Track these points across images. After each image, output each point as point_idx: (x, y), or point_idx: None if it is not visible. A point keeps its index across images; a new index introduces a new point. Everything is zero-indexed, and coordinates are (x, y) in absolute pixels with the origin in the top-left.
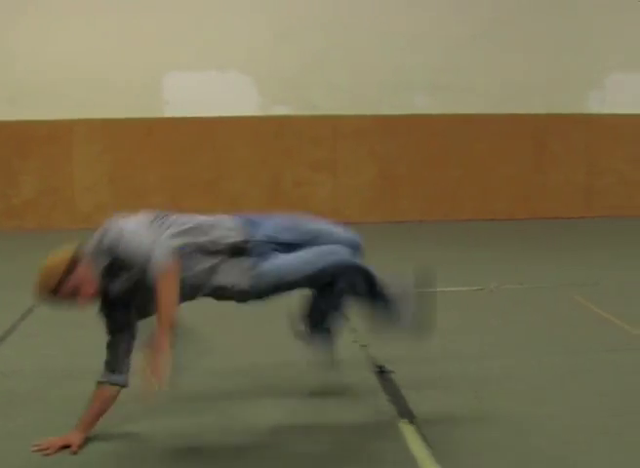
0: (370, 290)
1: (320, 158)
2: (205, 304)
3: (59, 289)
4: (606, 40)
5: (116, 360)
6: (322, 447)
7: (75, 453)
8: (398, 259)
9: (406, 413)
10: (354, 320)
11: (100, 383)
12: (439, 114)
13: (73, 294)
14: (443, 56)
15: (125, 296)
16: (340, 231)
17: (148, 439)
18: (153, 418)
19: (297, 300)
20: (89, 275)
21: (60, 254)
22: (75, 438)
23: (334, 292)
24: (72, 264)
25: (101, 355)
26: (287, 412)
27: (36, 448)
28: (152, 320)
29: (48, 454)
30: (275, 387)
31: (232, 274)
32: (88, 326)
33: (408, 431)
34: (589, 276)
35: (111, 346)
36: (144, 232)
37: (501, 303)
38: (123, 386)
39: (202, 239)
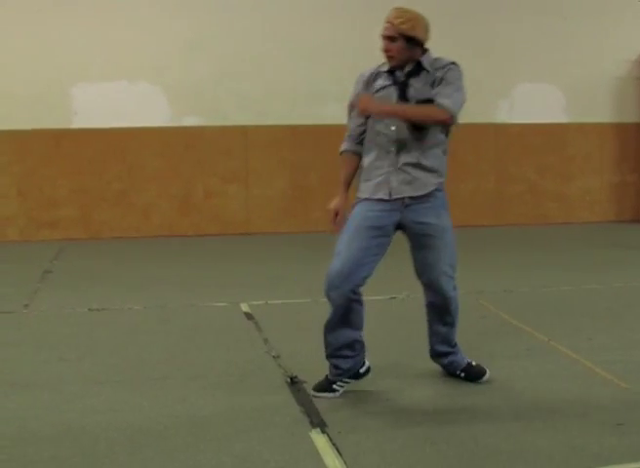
0: None
1: (231, 169)
2: None
3: (409, 33)
4: (513, 50)
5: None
6: (234, 457)
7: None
8: (308, 270)
9: (318, 423)
10: (267, 330)
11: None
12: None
13: (398, 48)
14: (352, 65)
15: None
16: None
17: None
18: None
19: None
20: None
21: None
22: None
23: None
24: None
25: None
26: (200, 422)
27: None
28: None
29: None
30: (187, 398)
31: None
32: None
33: (321, 441)
34: (500, 284)
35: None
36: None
37: (413, 312)
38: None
39: None
